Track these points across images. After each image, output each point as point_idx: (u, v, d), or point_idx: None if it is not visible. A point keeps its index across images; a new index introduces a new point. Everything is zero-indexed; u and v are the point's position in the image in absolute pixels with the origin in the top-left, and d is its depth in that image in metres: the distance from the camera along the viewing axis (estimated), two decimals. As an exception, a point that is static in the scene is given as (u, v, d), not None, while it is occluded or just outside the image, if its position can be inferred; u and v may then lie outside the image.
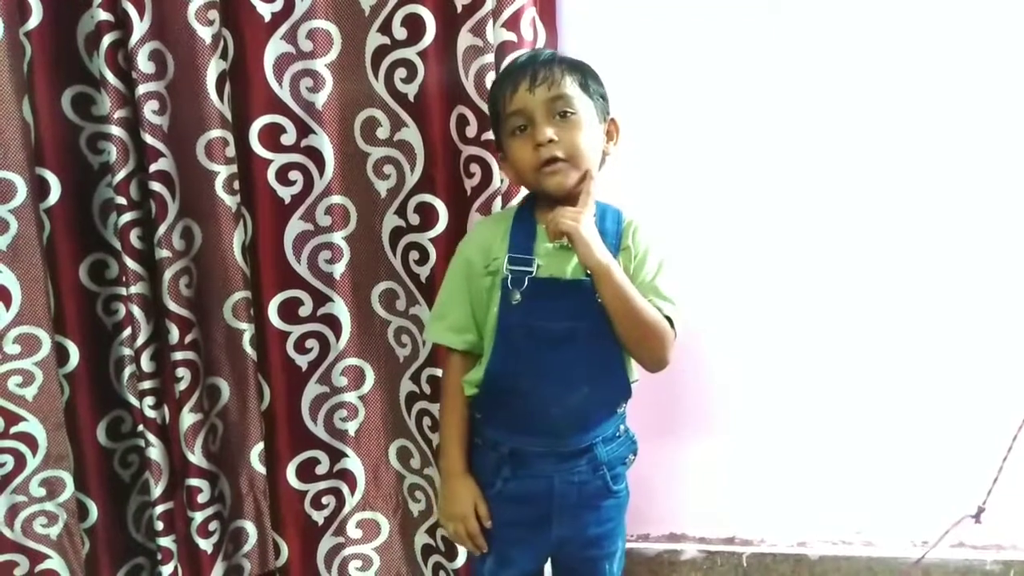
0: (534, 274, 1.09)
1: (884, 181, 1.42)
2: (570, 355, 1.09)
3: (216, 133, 1.41)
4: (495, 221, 1.21)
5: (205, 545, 1.48)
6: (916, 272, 1.44)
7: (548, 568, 1.28)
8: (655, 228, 1.16)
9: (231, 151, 1.41)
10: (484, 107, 1.29)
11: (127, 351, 1.48)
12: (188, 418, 1.43)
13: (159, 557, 1.48)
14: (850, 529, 1.57)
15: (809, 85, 1.41)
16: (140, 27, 1.32)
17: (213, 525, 1.49)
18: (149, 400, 1.42)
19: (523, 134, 1.08)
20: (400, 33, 1.33)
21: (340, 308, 1.46)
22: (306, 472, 1.50)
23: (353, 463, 1.52)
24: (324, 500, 1.52)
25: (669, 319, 1.08)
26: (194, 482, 1.45)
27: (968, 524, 1.43)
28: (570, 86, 1.08)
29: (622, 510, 1.19)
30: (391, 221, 1.43)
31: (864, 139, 1.42)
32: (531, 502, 1.14)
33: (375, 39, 1.36)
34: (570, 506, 1.14)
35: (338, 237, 1.44)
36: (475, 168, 1.34)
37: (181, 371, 1.42)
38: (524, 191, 1.22)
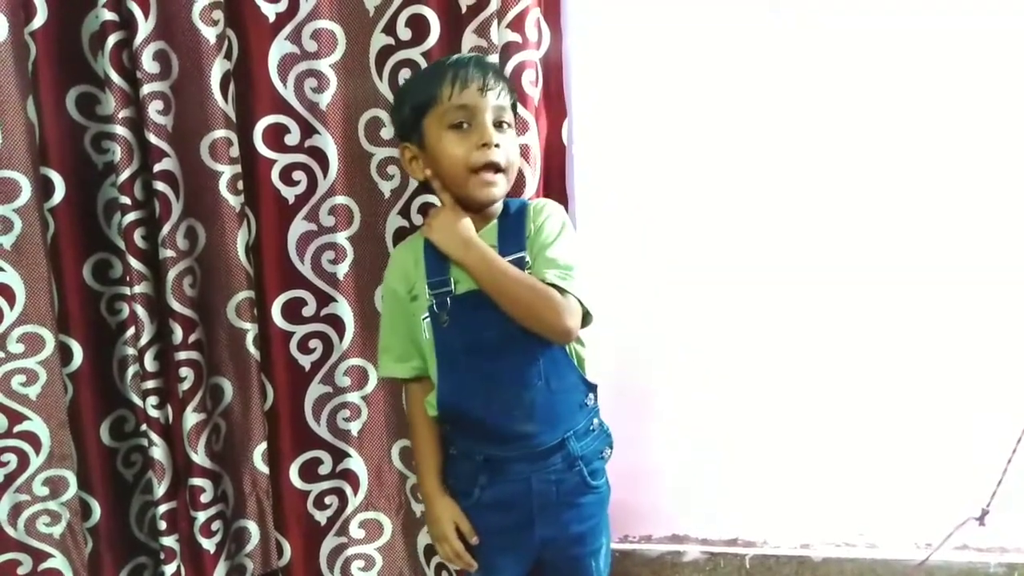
0: (454, 292, 1.10)
1: (887, 178, 1.42)
2: (514, 356, 1.09)
3: (220, 133, 1.41)
4: (407, 247, 1.21)
5: (208, 545, 1.48)
6: (919, 273, 1.44)
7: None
8: (556, 205, 1.16)
9: (235, 151, 1.41)
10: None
11: (131, 351, 1.48)
12: (191, 418, 1.43)
13: (162, 556, 1.48)
14: (853, 531, 1.56)
15: (811, 85, 1.41)
16: (145, 27, 1.32)
17: (216, 525, 1.49)
18: (152, 400, 1.42)
19: (461, 131, 1.08)
20: (404, 34, 1.33)
21: (343, 308, 1.46)
22: (309, 472, 1.50)
23: (356, 463, 1.52)
24: (327, 500, 1.52)
25: (560, 288, 1.05)
26: (197, 482, 1.45)
27: (972, 526, 1.43)
28: (507, 100, 1.11)
29: (603, 506, 1.19)
30: (394, 221, 1.43)
31: (864, 138, 1.42)
32: (511, 507, 1.14)
33: (379, 39, 1.36)
34: (550, 505, 1.14)
35: (342, 237, 1.44)
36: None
37: (184, 371, 1.42)
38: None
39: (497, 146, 1.07)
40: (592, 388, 1.16)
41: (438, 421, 1.18)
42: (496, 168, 1.08)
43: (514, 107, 1.13)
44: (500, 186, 1.09)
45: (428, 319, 1.12)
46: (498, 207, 1.15)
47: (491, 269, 1.06)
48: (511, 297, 1.05)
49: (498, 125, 1.09)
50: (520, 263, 1.09)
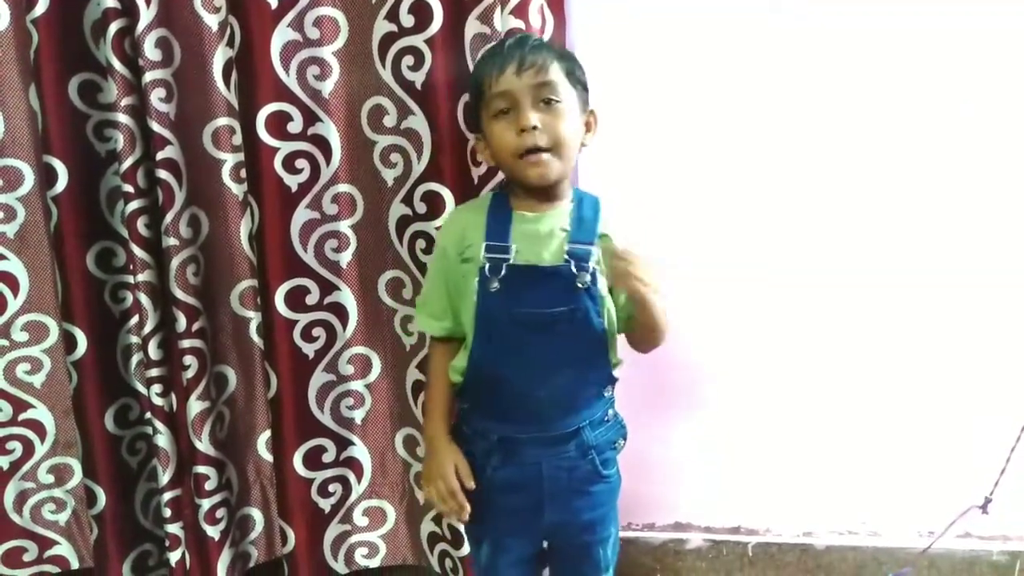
0: (511, 261, 1.09)
1: (888, 177, 1.42)
2: (552, 339, 1.09)
3: (223, 121, 1.41)
4: (470, 208, 1.21)
5: (212, 532, 1.48)
6: (921, 262, 1.44)
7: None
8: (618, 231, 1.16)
9: (238, 139, 1.41)
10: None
11: (135, 339, 1.48)
12: (195, 406, 1.44)
13: (167, 544, 1.49)
14: (856, 519, 1.57)
15: (815, 83, 1.40)
16: (147, 15, 1.31)
17: (220, 512, 1.50)
18: (156, 388, 1.43)
19: (506, 117, 1.08)
20: (407, 21, 1.33)
21: (347, 296, 1.46)
22: (313, 460, 1.50)
23: (360, 451, 1.53)
24: (331, 488, 1.53)
25: None
26: (201, 469, 1.46)
27: (975, 514, 1.43)
28: (556, 73, 1.08)
29: (614, 495, 1.20)
30: (398, 209, 1.43)
31: (865, 137, 1.41)
32: (522, 489, 1.15)
33: (382, 27, 1.35)
34: (561, 491, 1.14)
35: (345, 225, 1.44)
36: (482, 157, 1.33)
37: (188, 359, 1.42)
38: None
39: (535, 128, 1.06)
40: (613, 380, 1.17)
41: (458, 394, 1.19)
42: (540, 150, 1.07)
43: (572, 75, 1.10)
44: (551, 165, 1.08)
45: (478, 280, 1.10)
46: (568, 191, 1.15)
47: (661, 309, 1.10)
48: (657, 329, 1.12)
49: (545, 103, 1.07)
50: (587, 255, 1.09)
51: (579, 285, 1.08)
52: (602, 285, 1.11)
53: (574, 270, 1.08)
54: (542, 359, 1.10)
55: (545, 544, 1.23)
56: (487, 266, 1.09)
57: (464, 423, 1.20)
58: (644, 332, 1.14)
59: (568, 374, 1.11)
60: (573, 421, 1.13)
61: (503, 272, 1.09)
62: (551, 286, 1.08)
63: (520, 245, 1.10)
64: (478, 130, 1.16)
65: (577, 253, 1.09)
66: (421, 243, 1.41)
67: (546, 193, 1.12)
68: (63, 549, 1.58)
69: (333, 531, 1.54)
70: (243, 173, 1.42)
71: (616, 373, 1.17)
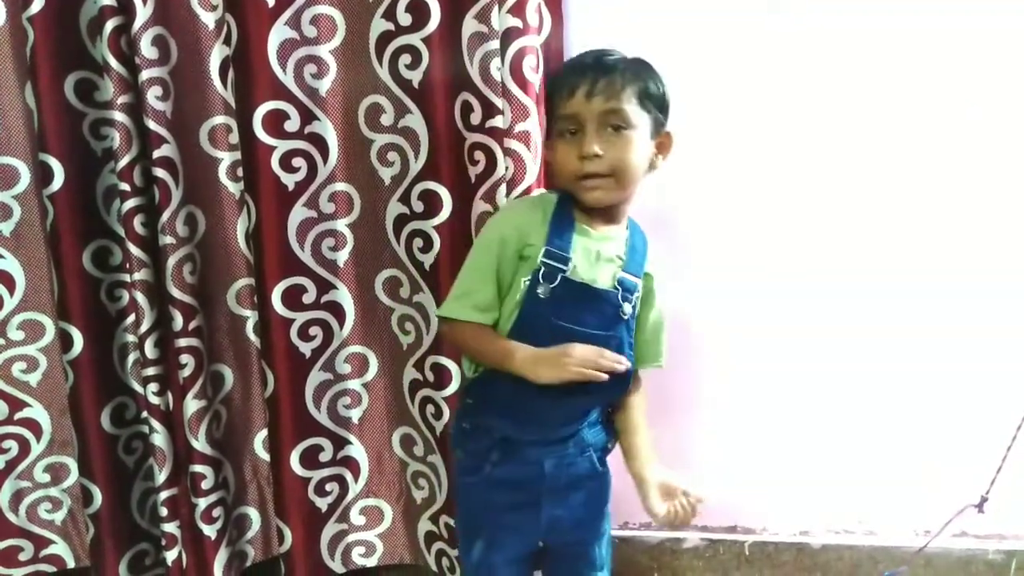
0: (568, 274, 1.08)
1: (884, 177, 1.42)
2: None
3: (219, 119, 1.41)
4: (534, 206, 1.16)
5: (209, 531, 1.48)
6: (918, 262, 1.44)
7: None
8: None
9: (234, 138, 1.41)
10: (489, 94, 1.28)
11: (131, 338, 1.48)
12: (192, 405, 1.43)
13: (163, 543, 1.48)
14: (852, 518, 1.57)
15: (815, 85, 1.40)
16: (143, 12, 1.31)
17: (217, 511, 1.50)
18: (153, 387, 1.42)
19: (571, 138, 1.08)
20: (404, 19, 1.33)
21: (344, 295, 1.46)
22: (309, 459, 1.50)
23: (356, 450, 1.53)
24: (327, 487, 1.52)
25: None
26: (198, 468, 1.45)
27: (971, 513, 1.43)
28: (628, 99, 1.06)
29: (608, 492, 1.21)
30: (395, 208, 1.43)
31: (863, 139, 1.41)
32: (520, 486, 1.15)
33: (379, 25, 1.35)
34: (560, 488, 1.15)
35: (342, 224, 1.44)
36: (479, 156, 1.33)
37: (185, 358, 1.42)
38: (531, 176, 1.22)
39: (598, 156, 1.05)
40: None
41: (466, 389, 1.19)
42: (597, 175, 1.06)
43: (644, 100, 1.07)
44: (606, 190, 1.08)
45: (528, 281, 1.08)
46: (625, 216, 1.15)
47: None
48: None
49: (614, 129, 1.06)
50: (634, 288, 1.12)
51: (621, 315, 1.09)
52: (634, 319, 1.13)
53: (620, 299, 1.08)
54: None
55: (540, 544, 1.24)
56: (542, 271, 1.07)
57: (466, 419, 1.19)
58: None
59: (586, 399, 1.12)
60: (577, 426, 1.15)
61: (556, 282, 1.07)
62: (596, 309, 1.09)
63: (578, 260, 1.09)
64: (550, 138, 1.15)
65: (626, 283, 1.10)
66: (418, 242, 1.41)
67: (606, 214, 1.12)
68: (59, 548, 1.58)
69: (330, 530, 1.54)
70: (240, 171, 1.42)
71: None
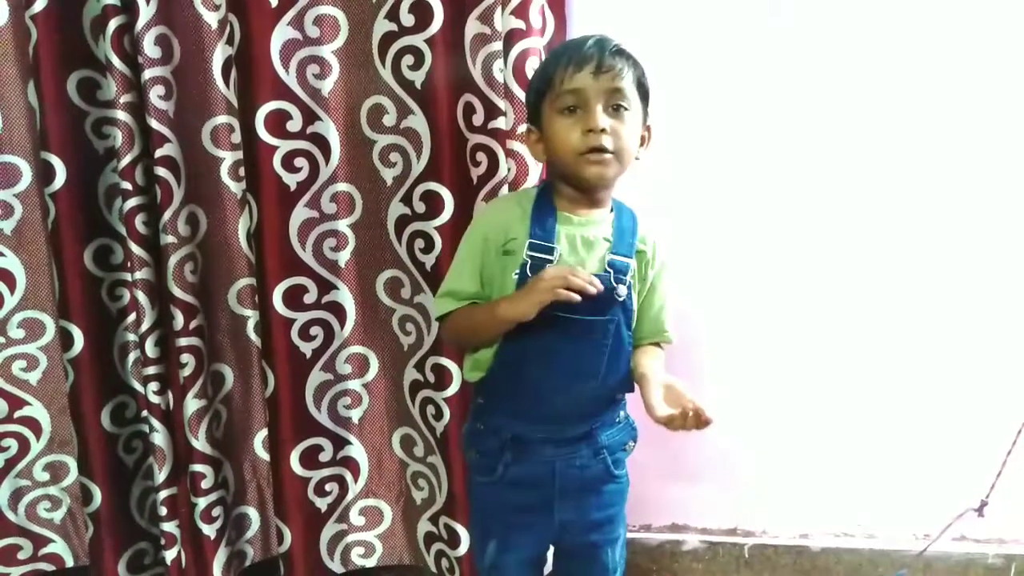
0: (555, 262, 1.07)
1: (884, 175, 1.42)
2: (582, 347, 1.09)
3: (222, 119, 1.41)
4: (514, 201, 1.16)
5: (208, 531, 1.48)
6: (919, 266, 1.44)
7: (550, 562, 1.29)
8: (663, 241, 1.16)
9: (237, 137, 1.41)
10: (491, 96, 1.29)
11: (132, 337, 1.48)
12: (192, 404, 1.43)
13: (162, 542, 1.48)
14: (852, 521, 1.57)
15: (812, 83, 1.40)
16: (146, 11, 1.31)
17: (216, 511, 1.49)
18: (153, 386, 1.42)
19: (573, 115, 1.06)
20: (408, 20, 1.33)
21: (345, 296, 1.46)
22: (309, 459, 1.50)
23: (356, 451, 1.53)
24: (327, 487, 1.52)
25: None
26: (198, 468, 1.45)
27: (970, 517, 1.44)
28: (628, 82, 1.07)
29: (623, 496, 1.20)
30: (397, 209, 1.43)
31: (862, 138, 1.42)
32: (533, 486, 1.15)
33: (383, 26, 1.35)
34: (572, 490, 1.15)
35: (343, 225, 1.44)
36: (481, 157, 1.33)
37: (185, 357, 1.42)
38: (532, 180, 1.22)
39: (604, 131, 1.04)
40: (631, 388, 1.16)
41: (476, 389, 1.17)
42: (604, 150, 1.05)
43: (642, 88, 1.09)
44: (611, 167, 1.06)
45: (517, 275, 1.07)
46: (609, 199, 1.14)
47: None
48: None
49: (615, 109, 1.06)
50: (626, 268, 1.09)
51: (616, 297, 1.08)
52: (634, 299, 1.12)
53: (612, 282, 1.07)
54: (570, 365, 1.09)
55: (552, 549, 1.23)
56: (529, 264, 1.07)
57: (478, 419, 1.19)
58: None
59: (592, 384, 1.11)
60: (587, 423, 1.14)
61: None
62: (590, 295, 1.07)
63: (564, 248, 1.09)
64: (534, 122, 1.13)
65: (617, 265, 1.09)
66: (420, 243, 1.41)
67: (592, 197, 1.11)
68: (58, 547, 1.58)
69: (329, 530, 1.54)
70: (242, 171, 1.42)
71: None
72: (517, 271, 1.07)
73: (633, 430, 1.20)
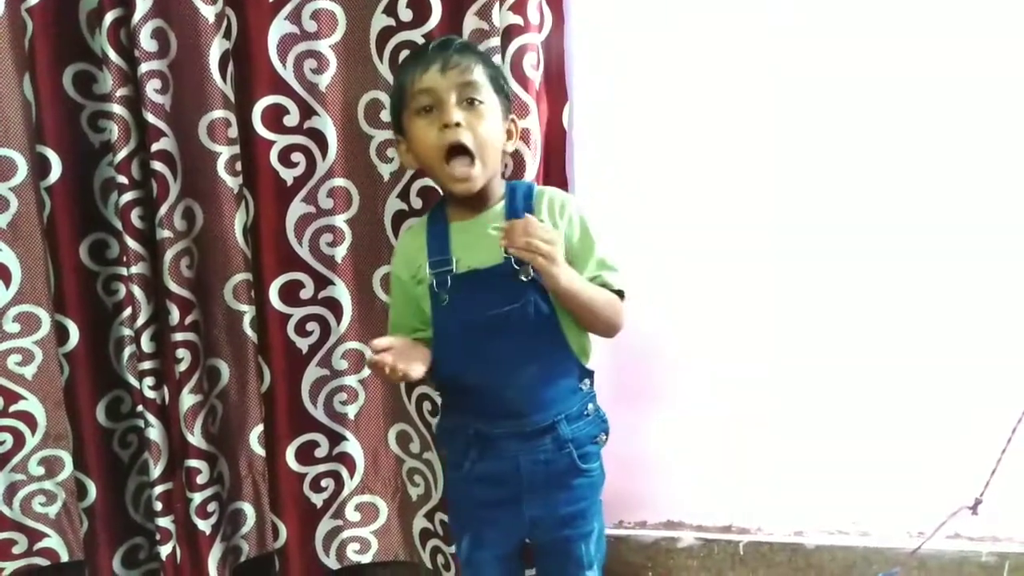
0: (454, 271, 1.10)
1: (880, 177, 1.42)
2: (509, 338, 1.10)
3: (218, 113, 1.41)
4: (413, 232, 1.22)
5: (203, 526, 1.48)
6: (913, 262, 1.44)
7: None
8: (571, 196, 1.17)
9: (233, 132, 1.41)
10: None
11: (127, 331, 1.48)
12: (188, 399, 1.43)
13: (157, 537, 1.48)
14: (846, 519, 1.57)
15: (812, 77, 1.40)
16: (143, 5, 1.31)
17: (212, 506, 1.49)
18: (149, 381, 1.42)
19: (428, 115, 1.08)
20: (405, 15, 1.32)
21: (341, 291, 1.46)
22: (305, 455, 1.50)
23: (352, 446, 1.53)
24: (323, 483, 1.52)
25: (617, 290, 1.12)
26: (193, 463, 1.45)
27: (964, 515, 1.44)
28: (480, 76, 1.09)
29: (596, 490, 1.20)
30: (393, 204, 1.42)
31: (862, 138, 1.41)
32: (500, 482, 1.15)
33: (380, 20, 1.35)
34: (539, 485, 1.15)
35: (340, 220, 1.44)
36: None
37: (181, 352, 1.42)
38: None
39: (459, 125, 1.06)
40: (588, 374, 1.17)
41: (444, 383, 1.20)
42: (464, 151, 1.06)
43: (495, 80, 1.11)
44: (476, 177, 1.08)
45: (429, 296, 1.12)
46: (500, 188, 1.16)
47: (580, 291, 1.06)
48: (591, 312, 1.09)
49: (469, 103, 1.07)
50: None
51: (523, 279, 1.09)
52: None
53: (515, 265, 1.08)
54: (503, 359, 1.11)
55: (527, 540, 1.24)
56: (434, 282, 1.11)
57: (444, 417, 1.22)
58: (581, 320, 1.11)
59: (532, 370, 1.12)
60: (547, 415, 1.13)
61: (449, 284, 1.10)
62: (497, 286, 1.09)
63: (460, 254, 1.11)
64: (399, 132, 1.15)
65: None
66: (417, 238, 1.41)
67: (477, 200, 1.13)
68: (53, 542, 1.58)
69: (325, 526, 1.54)
70: (238, 166, 1.42)
71: (589, 365, 1.17)
72: (428, 290, 1.12)
73: (603, 423, 1.20)
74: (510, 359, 1.11)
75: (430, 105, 1.08)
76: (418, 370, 1.08)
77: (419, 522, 1.54)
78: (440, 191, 1.21)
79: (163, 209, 1.37)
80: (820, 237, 1.45)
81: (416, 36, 1.32)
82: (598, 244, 1.14)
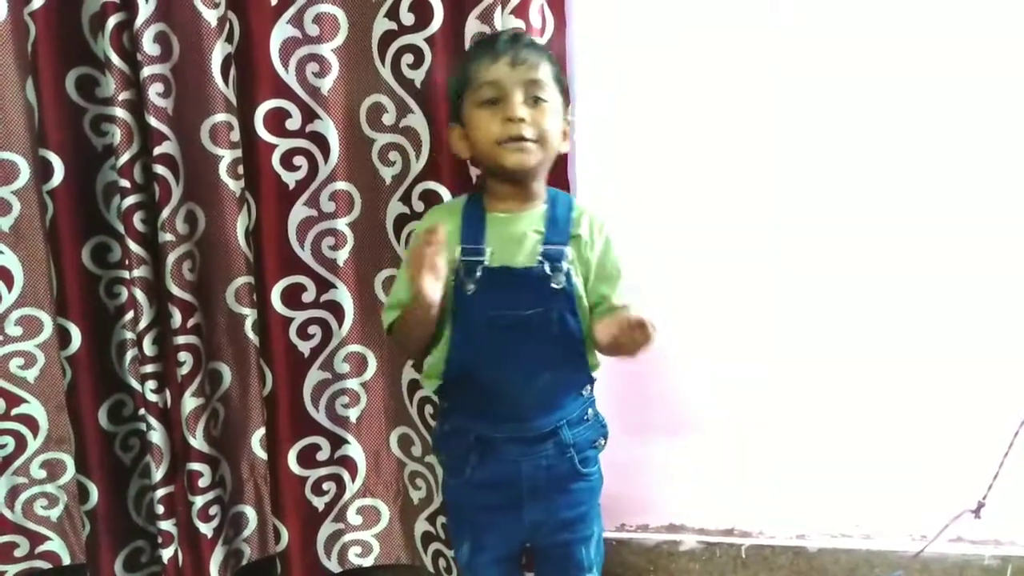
0: (486, 263, 1.09)
1: (881, 180, 1.42)
2: (529, 341, 1.09)
3: (221, 117, 1.41)
4: (446, 210, 1.20)
5: (205, 529, 1.48)
6: (915, 265, 1.44)
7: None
8: (606, 218, 1.17)
9: (235, 135, 1.41)
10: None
11: (129, 334, 1.48)
12: (190, 402, 1.43)
13: (159, 540, 1.48)
14: (849, 522, 1.57)
15: (813, 83, 1.40)
16: (145, 8, 1.31)
17: (214, 509, 1.49)
18: (151, 384, 1.42)
19: (492, 106, 1.08)
20: (408, 19, 1.32)
21: (343, 295, 1.46)
22: (307, 458, 1.50)
23: (354, 450, 1.53)
24: (325, 486, 1.52)
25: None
26: (195, 466, 1.45)
27: (967, 519, 1.44)
28: (546, 74, 1.09)
29: (595, 494, 1.20)
30: (395, 208, 1.43)
31: (861, 139, 1.41)
32: (501, 487, 1.15)
33: (382, 24, 1.35)
34: (540, 489, 1.15)
35: (342, 223, 1.44)
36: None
37: (183, 355, 1.42)
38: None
39: (523, 120, 1.06)
40: (591, 380, 1.17)
41: (437, 393, 1.19)
42: (524, 139, 1.06)
43: (559, 79, 1.11)
44: (532, 153, 1.08)
45: (454, 283, 1.10)
46: (542, 192, 1.15)
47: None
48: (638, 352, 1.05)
49: (534, 100, 1.08)
50: (560, 256, 1.09)
51: (554, 286, 1.08)
52: (578, 285, 1.11)
53: (548, 271, 1.08)
54: (520, 361, 1.10)
55: (527, 545, 1.24)
56: (462, 268, 1.09)
57: (444, 421, 1.20)
58: (618, 354, 1.09)
59: (546, 376, 1.11)
60: (550, 421, 1.13)
61: (478, 274, 1.09)
62: (526, 288, 1.09)
63: (495, 247, 1.10)
64: (457, 120, 1.15)
65: (551, 254, 1.09)
66: (418, 242, 1.41)
67: (521, 191, 1.12)
68: (55, 545, 1.58)
69: (327, 529, 1.54)
70: (241, 169, 1.42)
71: (594, 374, 1.17)
72: (452, 277, 1.09)
73: (603, 427, 1.20)
74: (527, 362, 1.10)
75: (495, 98, 1.07)
76: (436, 288, 1.03)
77: (421, 525, 1.54)
78: (476, 182, 1.19)
79: (165, 213, 1.37)
80: (820, 238, 1.45)
81: (418, 40, 1.32)
82: (623, 268, 1.15)
